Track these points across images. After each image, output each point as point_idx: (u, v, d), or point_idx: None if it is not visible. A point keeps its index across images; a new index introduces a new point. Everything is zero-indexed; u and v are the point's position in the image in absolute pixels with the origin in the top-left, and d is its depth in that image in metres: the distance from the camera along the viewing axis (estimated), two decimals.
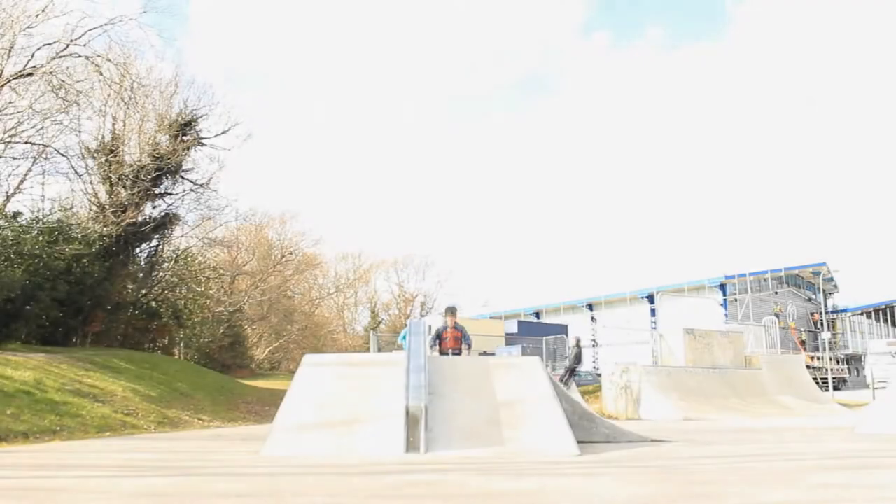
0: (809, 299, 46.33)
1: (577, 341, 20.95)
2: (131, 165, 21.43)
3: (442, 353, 9.97)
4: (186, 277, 27.42)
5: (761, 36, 76.81)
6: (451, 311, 10.33)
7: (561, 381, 19.05)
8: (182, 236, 26.05)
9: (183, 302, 27.42)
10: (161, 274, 25.85)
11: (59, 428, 9.34)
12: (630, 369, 19.87)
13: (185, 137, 22.85)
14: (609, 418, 15.62)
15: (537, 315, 49.53)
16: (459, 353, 10.02)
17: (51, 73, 17.41)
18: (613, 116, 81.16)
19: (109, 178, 21.51)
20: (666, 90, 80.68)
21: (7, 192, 19.16)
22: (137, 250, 23.84)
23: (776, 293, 43.28)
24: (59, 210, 21.17)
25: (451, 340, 10.02)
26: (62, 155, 20.41)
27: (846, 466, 5.26)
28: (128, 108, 21.77)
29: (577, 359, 20.12)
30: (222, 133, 23.67)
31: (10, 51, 17.04)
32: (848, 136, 78.37)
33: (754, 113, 79.19)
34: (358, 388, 6.82)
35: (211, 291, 31.84)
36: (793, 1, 77.04)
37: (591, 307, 47.19)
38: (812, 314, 45.50)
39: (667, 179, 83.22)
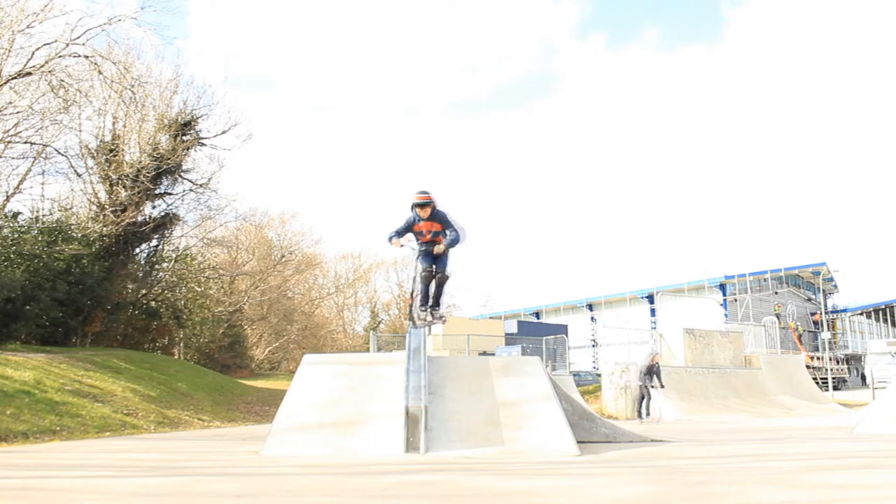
0: (809, 299, 46.34)
1: (657, 364, 17.49)
2: (131, 165, 21.43)
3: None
4: (186, 277, 27.42)
5: (758, 37, 76.84)
6: (422, 205, 7.12)
7: (642, 405, 17.12)
8: (182, 236, 26.08)
9: (183, 302, 27.43)
10: (161, 274, 25.86)
11: (59, 428, 9.34)
12: (630, 369, 19.88)
13: (184, 137, 22.85)
14: (609, 418, 15.63)
15: (537, 315, 49.54)
16: (439, 265, 7.30)
17: (50, 72, 17.41)
18: (614, 116, 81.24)
19: (109, 177, 21.51)
20: (665, 91, 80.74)
21: (7, 192, 19.17)
22: (137, 250, 23.86)
23: (776, 293, 43.29)
24: (59, 210, 21.18)
25: (428, 236, 7.30)
26: (62, 155, 20.46)
27: (846, 466, 5.26)
28: (127, 107, 21.78)
29: (652, 375, 17.13)
30: (222, 133, 23.71)
31: (9, 50, 17.03)
32: (847, 136, 78.44)
33: (754, 113, 79.24)
34: (358, 388, 6.81)
35: (211, 291, 31.84)
36: (788, 3, 77.04)
37: (591, 307, 47.21)
38: (814, 314, 45.49)
39: (667, 179, 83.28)
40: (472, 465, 5.28)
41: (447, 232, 7.23)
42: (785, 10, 77.60)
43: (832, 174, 79.58)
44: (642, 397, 17.29)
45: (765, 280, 42.84)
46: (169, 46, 59.98)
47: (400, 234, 7.28)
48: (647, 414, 16.86)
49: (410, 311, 7.41)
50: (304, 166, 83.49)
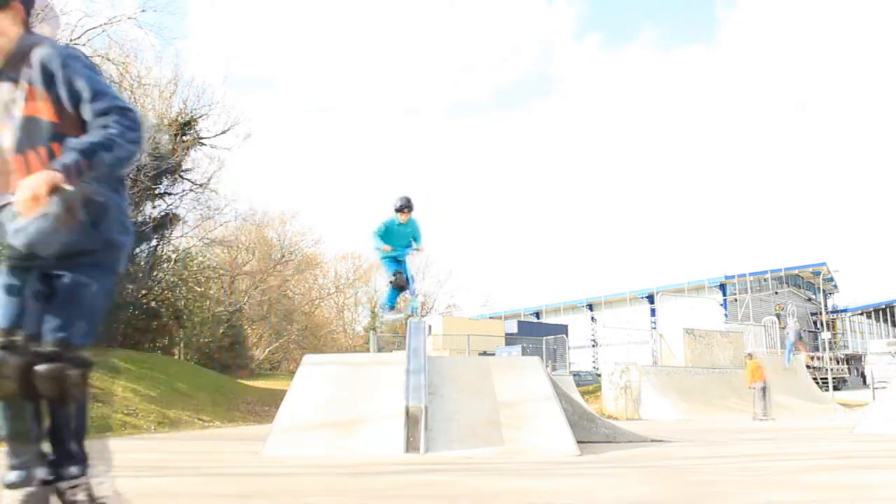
0: (809, 299, 46.35)
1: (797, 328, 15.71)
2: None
3: None
4: (186, 277, 27.41)
5: (756, 37, 76.85)
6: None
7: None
8: (182, 236, 26.07)
9: (183, 302, 27.39)
10: (161, 274, 25.85)
11: None
12: (630, 369, 19.91)
13: (184, 137, 22.85)
14: (609, 418, 15.62)
15: (537, 315, 49.55)
16: None
17: None
18: (613, 117, 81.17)
19: None
20: (665, 91, 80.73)
21: None
22: (137, 250, 23.83)
23: (776, 293, 43.31)
24: None
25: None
26: None
27: (846, 466, 5.26)
28: None
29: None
30: (222, 133, 23.75)
31: None
32: (847, 136, 78.44)
33: (754, 112, 79.22)
34: (358, 388, 6.82)
35: (211, 291, 31.82)
36: (783, 4, 77.08)
37: (591, 307, 47.23)
38: (816, 314, 45.51)
39: (666, 179, 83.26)
40: (472, 465, 5.28)
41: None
42: (782, 9, 77.63)
43: (832, 174, 79.57)
44: None
45: (765, 280, 42.85)
46: (169, 47, 59.98)
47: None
48: None
49: None
50: (304, 166, 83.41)
